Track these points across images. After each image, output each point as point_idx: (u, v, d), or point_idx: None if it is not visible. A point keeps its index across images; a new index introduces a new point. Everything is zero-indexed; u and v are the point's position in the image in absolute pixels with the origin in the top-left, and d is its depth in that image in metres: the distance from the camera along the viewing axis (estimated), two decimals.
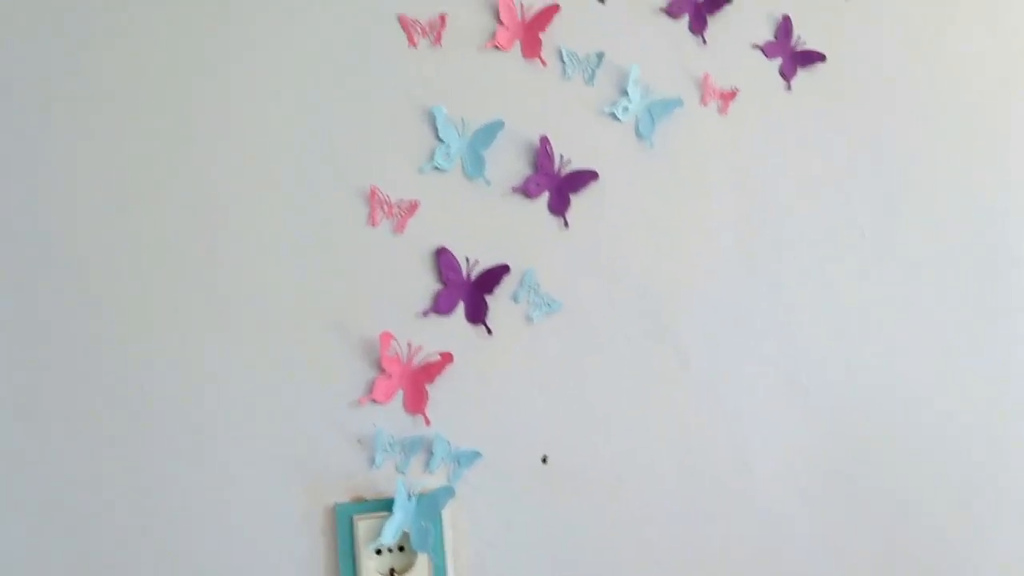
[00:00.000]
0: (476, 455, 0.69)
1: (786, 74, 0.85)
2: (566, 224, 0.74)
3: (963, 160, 0.87)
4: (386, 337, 0.68)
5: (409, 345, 0.69)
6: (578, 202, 0.75)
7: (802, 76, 0.85)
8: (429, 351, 0.70)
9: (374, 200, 0.70)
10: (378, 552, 0.67)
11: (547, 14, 0.77)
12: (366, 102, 0.72)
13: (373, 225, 0.70)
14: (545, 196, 0.74)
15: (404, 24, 0.74)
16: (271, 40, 0.71)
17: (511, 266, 0.72)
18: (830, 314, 0.81)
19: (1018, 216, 0.87)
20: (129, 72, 0.68)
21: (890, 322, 0.83)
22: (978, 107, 0.89)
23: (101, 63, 0.67)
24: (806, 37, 0.86)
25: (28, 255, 0.65)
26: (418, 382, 0.69)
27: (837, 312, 0.81)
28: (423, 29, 0.74)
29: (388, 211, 0.70)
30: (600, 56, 0.78)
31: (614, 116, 0.77)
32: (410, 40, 0.74)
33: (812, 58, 0.85)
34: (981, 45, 0.91)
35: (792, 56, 0.85)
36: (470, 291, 0.71)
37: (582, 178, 0.75)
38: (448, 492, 0.67)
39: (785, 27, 0.85)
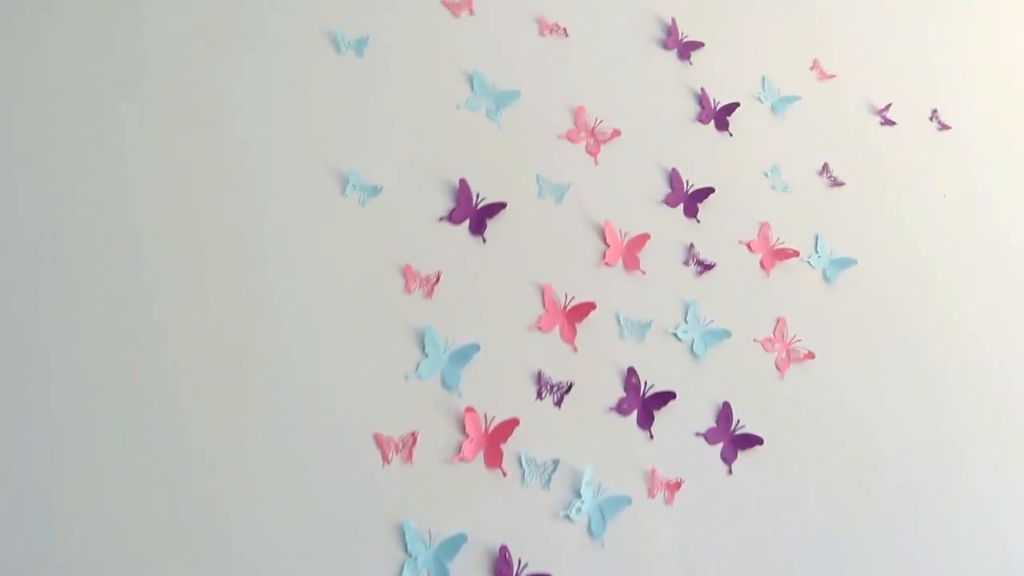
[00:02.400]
0: None
1: (727, 459, 0.94)
2: None
3: (906, 536, 0.95)
4: None
5: None
6: None
7: (742, 459, 0.95)
8: None
9: None
10: None
11: (508, 426, 0.87)
12: (340, 519, 0.81)
13: None
14: None
15: (379, 442, 0.84)
16: (247, 462, 0.81)
17: None
18: None
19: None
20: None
21: None
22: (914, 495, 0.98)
23: None
24: (745, 420, 0.96)
25: None
26: None
27: None
28: (396, 446, 0.84)
29: None
30: (556, 462, 0.87)
31: (568, 518, 0.86)
32: (384, 458, 0.83)
33: (751, 441, 0.95)
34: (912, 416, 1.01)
35: (732, 440, 0.95)
36: None
37: None
38: None
39: (725, 413, 0.96)
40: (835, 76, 1.24)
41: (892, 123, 1.23)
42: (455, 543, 0.82)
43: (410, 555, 0.81)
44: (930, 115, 1.27)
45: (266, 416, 0.83)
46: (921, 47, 1.31)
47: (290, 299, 0.87)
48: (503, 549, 0.83)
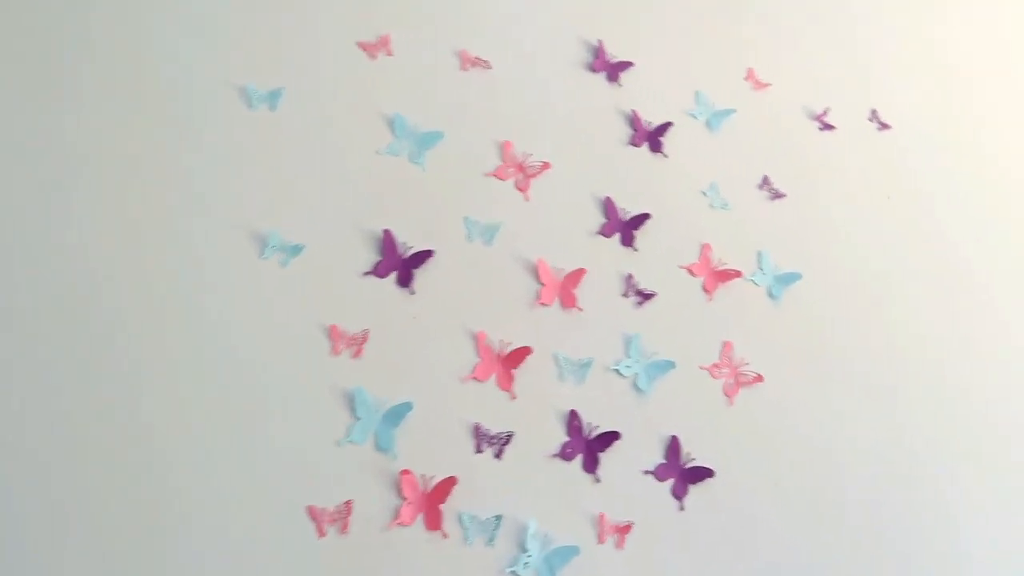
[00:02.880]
0: None
1: (678, 495, 0.92)
2: None
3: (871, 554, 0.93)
4: None
5: None
6: None
7: (694, 493, 0.93)
8: None
9: None
10: None
11: (446, 486, 0.85)
12: None
13: None
14: None
15: (313, 515, 0.82)
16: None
17: None
18: None
19: None
20: None
21: None
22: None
23: None
24: (695, 452, 0.94)
25: None
26: None
27: None
28: (331, 517, 0.82)
29: None
30: (499, 518, 0.85)
31: (515, 574, 0.84)
32: (319, 531, 0.81)
33: (702, 474, 0.93)
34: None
35: (682, 475, 0.93)
36: None
37: None
38: None
39: (674, 447, 0.94)
40: (770, 84, 1.22)
41: (831, 127, 1.22)
42: None
43: None
44: (870, 116, 1.25)
45: (193, 493, 0.80)
46: (857, 47, 1.30)
47: (211, 370, 0.85)
48: None
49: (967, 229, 1.19)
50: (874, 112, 1.25)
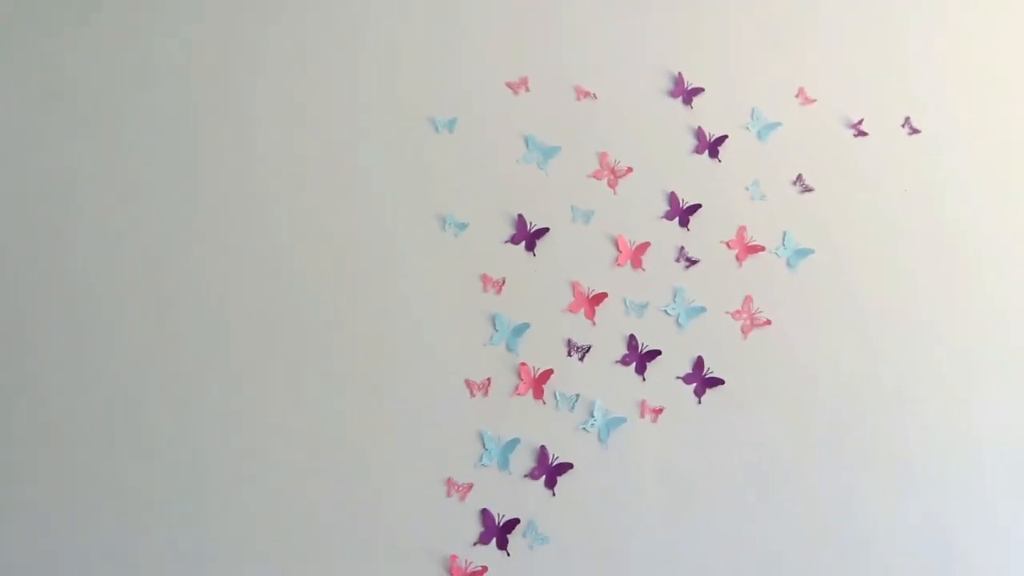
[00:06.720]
0: None
1: (698, 394, 1.57)
2: (553, 493, 1.50)
3: (825, 457, 1.54)
4: None
5: None
6: (562, 481, 1.51)
7: (710, 394, 1.56)
8: None
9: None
10: None
11: (547, 374, 1.55)
12: (443, 431, 1.52)
13: None
14: (543, 479, 1.51)
15: (468, 384, 1.55)
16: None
17: (520, 518, 1.49)
18: None
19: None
20: None
21: None
22: (834, 420, 1.56)
23: None
24: (715, 370, 1.58)
25: None
26: None
27: None
28: (478, 386, 1.55)
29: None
30: (577, 396, 1.54)
31: (585, 430, 1.53)
32: (471, 394, 1.54)
33: (716, 382, 1.57)
34: (851, 368, 1.58)
35: (703, 381, 1.57)
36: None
37: (564, 467, 1.51)
38: None
39: (699, 364, 1.58)
40: (817, 100, 1.75)
41: (864, 134, 1.73)
42: (512, 444, 1.51)
43: (486, 449, 1.51)
44: (903, 122, 1.74)
45: (398, 373, 1.55)
46: (897, 61, 1.75)
47: (407, 308, 1.57)
48: (543, 448, 1.52)
49: (969, 221, 1.66)
50: (907, 119, 1.74)
